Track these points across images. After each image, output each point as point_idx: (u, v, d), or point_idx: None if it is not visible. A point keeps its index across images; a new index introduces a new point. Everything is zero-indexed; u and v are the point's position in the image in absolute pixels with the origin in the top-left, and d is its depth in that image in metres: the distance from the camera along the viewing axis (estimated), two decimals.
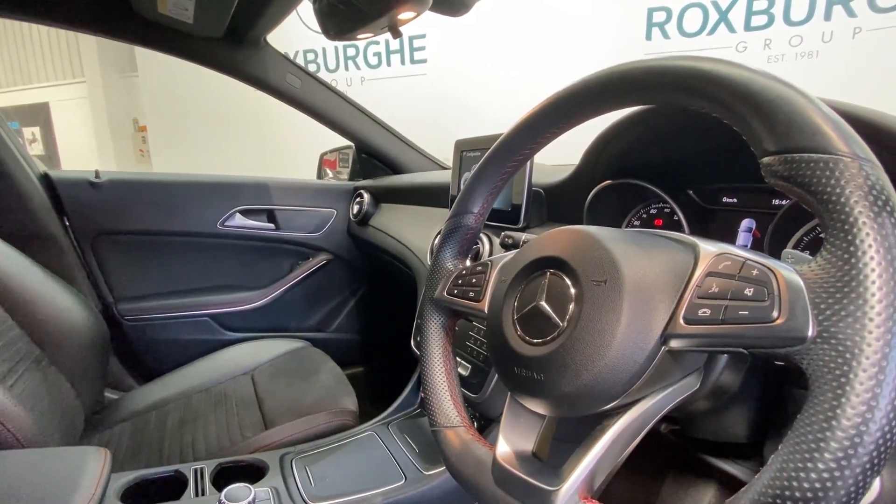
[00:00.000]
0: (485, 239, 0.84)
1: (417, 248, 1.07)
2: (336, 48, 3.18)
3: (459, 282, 0.50)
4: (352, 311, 1.58)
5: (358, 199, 1.44)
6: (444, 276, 0.53)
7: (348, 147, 1.62)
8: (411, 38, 3.04)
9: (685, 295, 0.31)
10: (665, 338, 0.32)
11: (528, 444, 0.40)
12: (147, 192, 1.31)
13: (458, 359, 0.64)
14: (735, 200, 0.61)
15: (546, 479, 0.35)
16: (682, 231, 0.57)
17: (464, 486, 0.43)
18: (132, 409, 1.03)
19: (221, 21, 1.07)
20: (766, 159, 0.29)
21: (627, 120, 0.58)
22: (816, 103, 0.28)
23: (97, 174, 1.23)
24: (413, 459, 0.83)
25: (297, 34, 1.20)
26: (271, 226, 1.43)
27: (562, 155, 0.68)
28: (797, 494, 0.24)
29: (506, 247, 0.67)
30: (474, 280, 0.48)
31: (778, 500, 0.24)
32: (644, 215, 0.69)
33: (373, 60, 3.15)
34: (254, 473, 0.80)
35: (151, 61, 3.75)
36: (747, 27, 2.39)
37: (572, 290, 0.36)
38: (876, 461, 0.23)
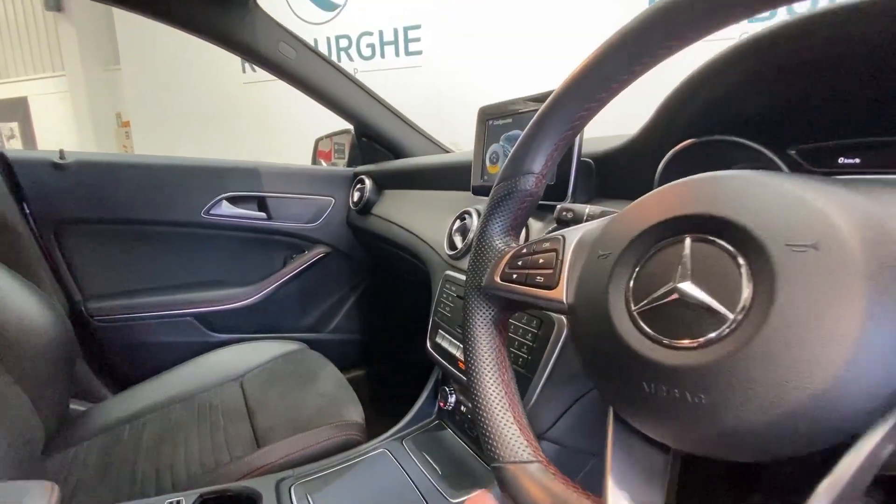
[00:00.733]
0: None
1: (429, 237, 0.96)
2: (328, 39, 3.15)
3: (519, 263, 0.38)
4: (352, 309, 1.48)
5: (359, 186, 1.32)
6: (493, 258, 0.41)
7: (344, 132, 1.49)
8: (406, 30, 3.02)
9: None
10: None
11: (656, 496, 0.27)
12: (120, 175, 1.18)
13: None
14: (857, 161, 0.48)
15: None
16: None
17: None
18: (102, 424, 0.92)
19: None
20: None
21: (736, 52, 0.44)
22: None
23: (62, 154, 1.09)
24: (436, 483, 0.70)
25: (288, 26, 1.07)
26: (262, 215, 1.32)
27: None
28: None
29: (563, 223, 0.53)
30: (542, 260, 0.37)
31: None
32: None
33: (366, 52, 3.13)
34: None
35: (135, 53, 3.64)
36: None
37: (742, 263, 0.24)
38: None
